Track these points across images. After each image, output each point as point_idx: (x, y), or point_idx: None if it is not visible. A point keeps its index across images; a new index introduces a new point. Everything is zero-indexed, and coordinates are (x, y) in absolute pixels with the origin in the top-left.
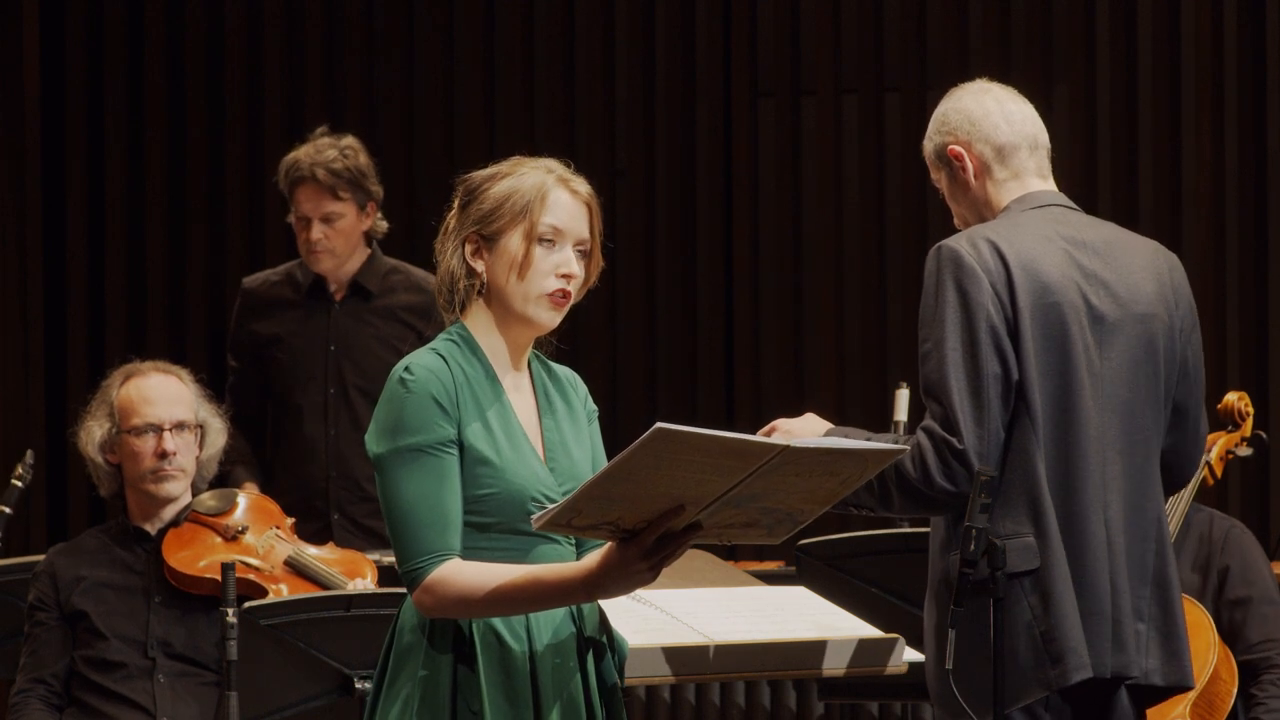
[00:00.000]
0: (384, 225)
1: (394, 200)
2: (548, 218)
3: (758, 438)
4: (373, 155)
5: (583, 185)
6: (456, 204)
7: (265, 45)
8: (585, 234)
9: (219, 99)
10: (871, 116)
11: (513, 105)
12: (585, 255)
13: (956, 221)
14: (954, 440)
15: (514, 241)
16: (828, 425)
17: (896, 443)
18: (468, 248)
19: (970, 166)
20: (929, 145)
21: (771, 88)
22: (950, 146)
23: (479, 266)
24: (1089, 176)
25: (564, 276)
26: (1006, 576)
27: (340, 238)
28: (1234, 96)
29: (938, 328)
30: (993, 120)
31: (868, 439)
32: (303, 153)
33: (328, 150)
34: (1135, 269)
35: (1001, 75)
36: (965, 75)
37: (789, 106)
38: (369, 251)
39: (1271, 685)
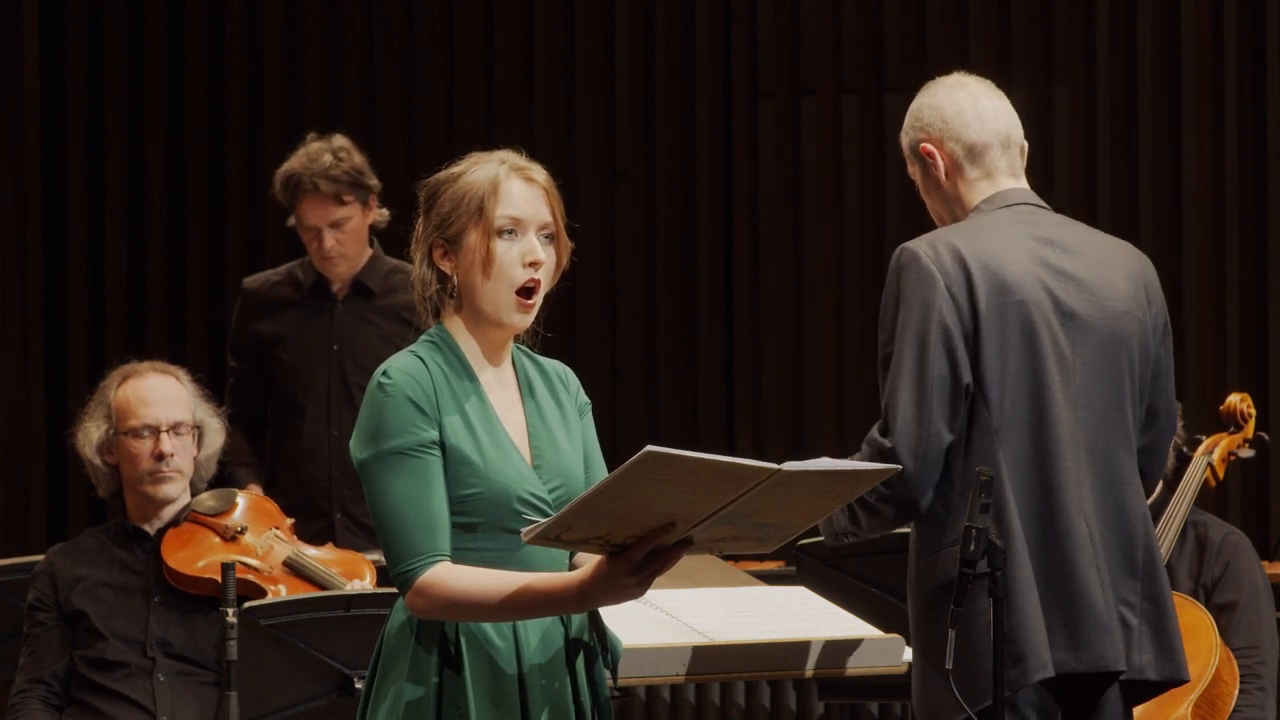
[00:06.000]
0: (386, 213)
1: (393, 200)
2: (503, 209)
3: (750, 461)
4: (372, 155)
5: (539, 171)
6: (420, 210)
7: (265, 45)
8: (547, 218)
9: (219, 99)
10: (871, 116)
11: (512, 105)
12: (552, 239)
13: (931, 216)
14: (884, 441)
15: (474, 239)
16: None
17: None
18: (435, 252)
19: (942, 165)
20: (904, 140)
21: (771, 87)
22: (922, 144)
23: (447, 269)
24: (1089, 176)
25: (531, 265)
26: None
27: (351, 239)
28: (1234, 96)
29: (892, 330)
30: (964, 118)
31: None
32: (297, 163)
33: (323, 157)
34: (1107, 267)
35: (1001, 75)
36: None
37: (789, 106)
38: (371, 251)
39: (1248, 694)
